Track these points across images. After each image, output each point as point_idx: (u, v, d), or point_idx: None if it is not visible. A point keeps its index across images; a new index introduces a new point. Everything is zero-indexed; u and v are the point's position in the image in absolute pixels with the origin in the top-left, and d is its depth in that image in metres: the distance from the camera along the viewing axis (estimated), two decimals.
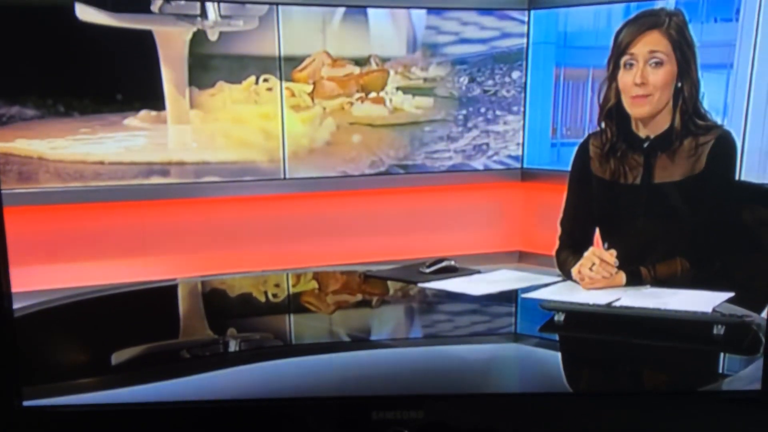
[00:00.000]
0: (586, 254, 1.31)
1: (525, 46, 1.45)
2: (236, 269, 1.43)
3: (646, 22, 1.25)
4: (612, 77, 1.28)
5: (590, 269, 1.30)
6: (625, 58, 1.26)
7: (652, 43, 1.24)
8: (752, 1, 1.23)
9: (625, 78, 1.27)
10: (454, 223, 1.50)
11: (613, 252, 1.29)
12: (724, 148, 1.25)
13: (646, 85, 1.25)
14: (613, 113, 1.30)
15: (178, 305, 1.42)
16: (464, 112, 1.46)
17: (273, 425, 1.16)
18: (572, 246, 1.36)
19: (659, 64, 1.25)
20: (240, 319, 1.38)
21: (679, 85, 1.25)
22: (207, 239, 1.41)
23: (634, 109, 1.28)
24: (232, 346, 1.31)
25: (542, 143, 1.46)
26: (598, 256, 1.30)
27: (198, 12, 1.30)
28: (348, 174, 1.45)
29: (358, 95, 1.40)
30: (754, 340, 1.18)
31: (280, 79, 1.37)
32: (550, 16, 1.43)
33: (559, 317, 1.27)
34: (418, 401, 1.13)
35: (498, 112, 1.46)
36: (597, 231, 1.34)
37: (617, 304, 1.25)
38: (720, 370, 1.22)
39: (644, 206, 1.30)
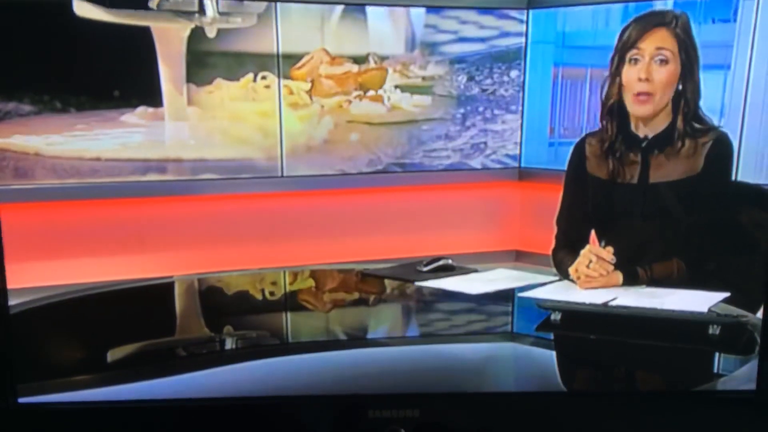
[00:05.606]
0: (582, 252, 1.31)
1: (523, 45, 1.45)
2: (233, 267, 1.43)
3: (654, 19, 1.26)
4: (616, 73, 1.28)
5: (587, 267, 1.30)
6: (631, 53, 1.26)
7: (660, 41, 1.25)
8: (750, 3, 1.23)
9: (629, 73, 1.27)
10: (452, 222, 1.51)
11: (610, 249, 1.29)
12: (722, 150, 1.26)
13: (650, 82, 1.26)
14: (614, 111, 1.30)
15: (174, 303, 1.42)
16: (462, 110, 1.46)
17: (269, 423, 1.16)
18: (569, 245, 1.36)
19: (664, 61, 1.25)
20: (236, 316, 1.37)
21: (681, 87, 1.26)
22: (204, 237, 1.41)
23: (636, 108, 1.28)
24: (229, 344, 1.31)
25: (540, 142, 1.46)
26: (595, 253, 1.30)
27: (196, 9, 1.30)
28: (346, 172, 1.45)
29: (356, 93, 1.40)
30: (750, 340, 1.18)
31: (279, 77, 1.37)
32: (549, 16, 1.44)
33: (556, 316, 1.28)
34: (414, 400, 1.13)
35: (496, 111, 1.47)
36: (593, 230, 1.35)
37: (614, 303, 1.25)
38: (715, 370, 1.22)
39: (641, 206, 1.31)
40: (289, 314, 1.41)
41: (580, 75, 1.40)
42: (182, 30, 1.31)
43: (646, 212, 1.30)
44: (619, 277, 1.30)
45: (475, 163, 1.49)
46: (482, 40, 1.43)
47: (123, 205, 1.35)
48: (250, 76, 1.36)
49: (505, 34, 1.44)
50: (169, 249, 1.38)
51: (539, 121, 1.45)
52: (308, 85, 1.38)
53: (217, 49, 1.33)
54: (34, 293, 1.27)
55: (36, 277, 1.28)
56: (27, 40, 1.21)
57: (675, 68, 1.25)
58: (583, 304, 1.27)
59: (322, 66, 1.37)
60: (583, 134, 1.36)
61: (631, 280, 1.30)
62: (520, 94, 1.46)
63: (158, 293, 1.40)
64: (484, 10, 1.42)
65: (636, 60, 1.26)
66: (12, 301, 1.15)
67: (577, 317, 1.27)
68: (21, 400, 1.11)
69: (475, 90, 1.45)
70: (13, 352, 1.12)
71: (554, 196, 1.37)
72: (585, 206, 1.35)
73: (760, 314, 1.17)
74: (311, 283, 1.48)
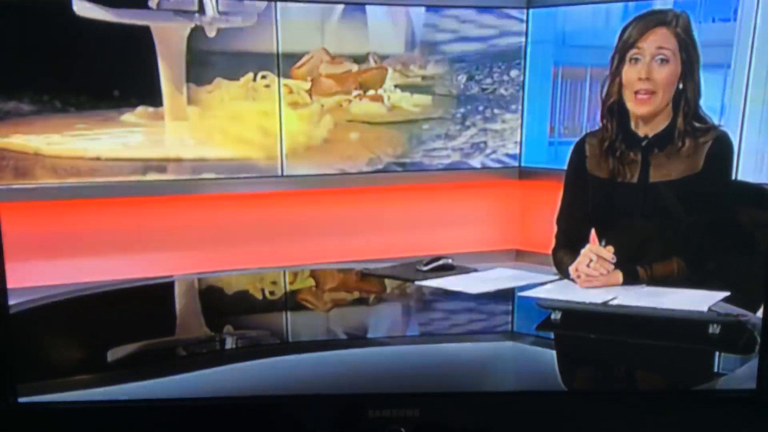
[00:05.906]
0: (583, 251, 1.31)
1: (523, 44, 1.45)
2: (233, 266, 1.43)
3: (654, 18, 1.26)
4: (616, 72, 1.28)
5: (587, 266, 1.30)
6: (631, 52, 1.26)
7: (660, 40, 1.25)
8: (750, 2, 1.23)
9: (629, 73, 1.27)
10: (452, 221, 1.51)
11: (611, 248, 1.30)
12: (722, 149, 1.26)
13: (650, 81, 1.26)
14: (614, 110, 1.30)
15: (174, 302, 1.42)
16: (462, 110, 1.46)
17: (269, 423, 1.16)
18: (569, 245, 1.36)
19: (665, 61, 1.25)
20: (236, 316, 1.38)
21: (681, 86, 1.26)
22: (204, 236, 1.41)
23: (637, 107, 1.28)
24: (229, 344, 1.31)
25: (540, 142, 1.47)
26: (596, 252, 1.30)
27: (196, 8, 1.30)
28: (345, 171, 1.45)
29: (356, 93, 1.40)
30: (750, 339, 1.18)
31: (278, 76, 1.37)
32: (549, 15, 1.43)
33: (556, 316, 1.28)
34: (414, 400, 1.13)
35: (496, 111, 1.47)
36: (593, 230, 1.35)
37: (614, 302, 1.25)
38: (715, 369, 1.22)
39: (641, 205, 1.31)
40: (289, 314, 1.42)
41: (580, 74, 1.40)
42: (182, 29, 1.31)
43: (646, 211, 1.31)
44: (619, 276, 1.30)
45: (475, 162, 1.49)
46: (482, 39, 1.43)
47: (123, 204, 1.35)
48: (250, 75, 1.36)
49: (505, 34, 1.44)
50: (168, 249, 1.39)
51: (539, 120, 1.45)
52: (308, 85, 1.38)
53: (216, 48, 1.33)
54: (34, 293, 1.27)
55: (36, 277, 1.28)
56: (27, 39, 1.21)
57: (675, 67, 1.25)
58: (583, 303, 1.27)
59: (321, 65, 1.37)
60: (583, 133, 1.36)
61: (631, 279, 1.30)
62: (520, 94, 1.46)
63: (158, 293, 1.40)
64: (484, 9, 1.42)
65: (636, 59, 1.26)
66: (12, 301, 1.15)
67: (577, 316, 1.28)
68: (21, 399, 1.11)
69: (475, 89, 1.45)
70: (13, 352, 1.12)
71: (554, 196, 1.37)
72: (585, 205, 1.35)
73: (760, 313, 1.17)
74: (311, 282, 1.48)
